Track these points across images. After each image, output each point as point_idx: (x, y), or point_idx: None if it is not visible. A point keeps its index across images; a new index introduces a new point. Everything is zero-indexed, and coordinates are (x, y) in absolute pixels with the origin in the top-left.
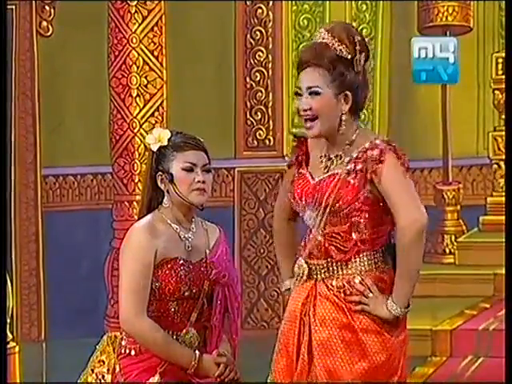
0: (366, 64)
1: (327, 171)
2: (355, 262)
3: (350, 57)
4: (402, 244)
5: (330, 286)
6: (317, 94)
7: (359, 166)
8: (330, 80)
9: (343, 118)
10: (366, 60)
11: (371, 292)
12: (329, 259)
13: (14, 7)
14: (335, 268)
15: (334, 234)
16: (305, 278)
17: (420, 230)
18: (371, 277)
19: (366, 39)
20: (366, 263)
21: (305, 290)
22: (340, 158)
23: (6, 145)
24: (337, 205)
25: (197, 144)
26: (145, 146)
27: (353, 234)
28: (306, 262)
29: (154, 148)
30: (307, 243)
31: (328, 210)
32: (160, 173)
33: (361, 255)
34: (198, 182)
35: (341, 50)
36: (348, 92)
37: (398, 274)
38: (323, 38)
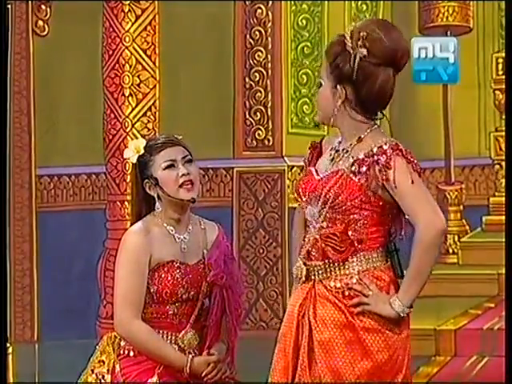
0: (374, 60)
1: (332, 165)
2: (352, 261)
3: (351, 51)
4: (420, 246)
5: (328, 287)
6: (320, 85)
7: (363, 169)
8: (330, 71)
9: (335, 110)
10: (380, 59)
11: (370, 290)
12: (326, 260)
13: (10, 6)
14: (332, 269)
15: (329, 235)
16: (303, 279)
17: (440, 233)
18: (369, 276)
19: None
20: (363, 262)
21: (303, 292)
22: (346, 153)
23: (6, 145)
24: (336, 200)
25: (171, 141)
26: None
27: (349, 233)
28: (305, 264)
29: (134, 160)
30: (306, 243)
31: (328, 204)
32: (146, 180)
33: (358, 255)
34: (183, 175)
35: (345, 43)
36: (342, 85)
37: (410, 273)
38: (346, 31)
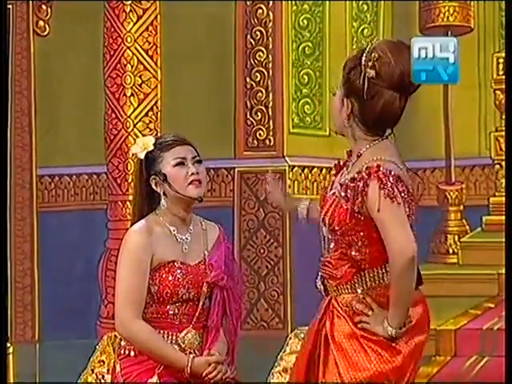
0: (381, 82)
1: (340, 180)
2: (356, 281)
3: (362, 69)
4: (392, 274)
5: (340, 304)
6: (334, 94)
7: (349, 193)
8: (342, 84)
9: (345, 122)
10: (390, 83)
11: (371, 309)
12: (327, 279)
13: (11, 7)
14: (340, 288)
15: (326, 263)
16: (323, 294)
17: (408, 261)
18: (373, 293)
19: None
20: (367, 281)
21: (322, 305)
22: (347, 169)
23: (7, 145)
24: (332, 224)
25: (181, 140)
26: None
27: (352, 253)
28: (322, 280)
29: (142, 155)
30: (323, 257)
31: (326, 228)
32: (153, 176)
33: (361, 273)
34: (192, 174)
35: (360, 59)
36: (350, 99)
37: (392, 300)
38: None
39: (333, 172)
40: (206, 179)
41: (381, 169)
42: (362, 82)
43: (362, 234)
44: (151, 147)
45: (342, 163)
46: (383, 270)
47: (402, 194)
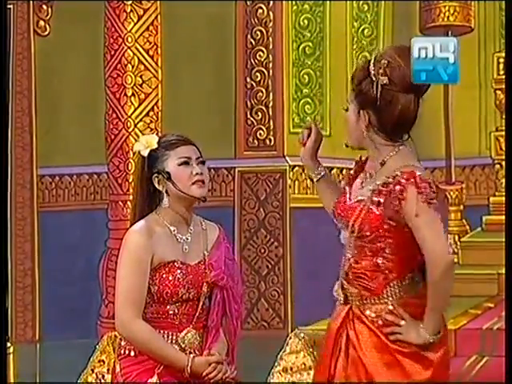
0: (394, 87)
1: (361, 188)
2: (385, 293)
3: (373, 78)
4: (432, 278)
5: (364, 314)
6: (346, 109)
7: (382, 199)
8: (354, 97)
9: (364, 134)
10: (401, 86)
11: (403, 319)
12: (360, 289)
13: (11, 7)
14: (366, 298)
15: (361, 275)
16: (342, 301)
17: (448, 265)
18: (402, 303)
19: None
20: (396, 292)
21: (341, 313)
22: (371, 177)
23: (7, 145)
24: (361, 232)
25: (186, 139)
26: None
27: (379, 261)
28: (342, 287)
29: (145, 153)
30: (343, 263)
31: (354, 235)
32: (156, 174)
33: (391, 284)
34: (197, 174)
35: (369, 69)
36: (365, 110)
37: (429, 306)
38: (371, 58)
39: (345, 181)
40: (208, 180)
41: (417, 174)
42: (375, 91)
43: (390, 240)
44: (155, 145)
45: (354, 172)
46: (411, 280)
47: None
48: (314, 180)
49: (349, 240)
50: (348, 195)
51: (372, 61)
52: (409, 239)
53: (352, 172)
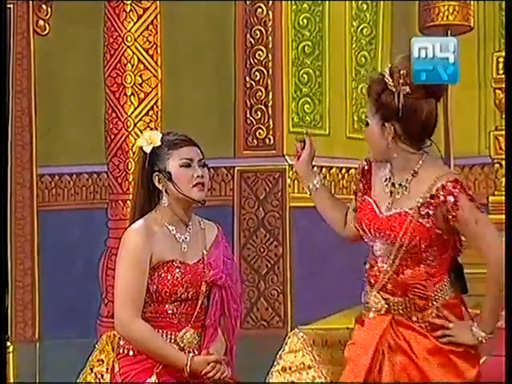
0: (416, 94)
1: (391, 201)
2: (433, 297)
3: (394, 90)
4: (496, 280)
5: (412, 320)
6: (367, 124)
7: (431, 211)
8: (375, 111)
9: (389, 146)
10: (424, 93)
11: (451, 321)
12: (406, 298)
13: (11, 6)
14: (413, 305)
15: (417, 285)
16: (382, 312)
17: (505, 262)
18: (445, 306)
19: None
20: (439, 295)
21: (381, 323)
22: (406, 190)
23: (7, 144)
24: (410, 244)
25: (189, 140)
26: None
27: (421, 267)
28: (383, 297)
29: (148, 150)
30: (378, 274)
31: (403, 248)
32: (157, 173)
33: (437, 289)
34: (198, 176)
35: (386, 82)
36: (390, 122)
37: (488, 304)
38: (384, 70)
39: (358, 189)
40: (208, 183)
41: (462, 182)
42: (397, 102)
43: (435, 249)
44: (158, 143)
45: (365, 180)
46: (448, 283)
47: None
48: (312, 192)
49: (388, 251)
50: (375, 206)
51: (387, 72)
52: (446, 244)
53: (361, 179)
